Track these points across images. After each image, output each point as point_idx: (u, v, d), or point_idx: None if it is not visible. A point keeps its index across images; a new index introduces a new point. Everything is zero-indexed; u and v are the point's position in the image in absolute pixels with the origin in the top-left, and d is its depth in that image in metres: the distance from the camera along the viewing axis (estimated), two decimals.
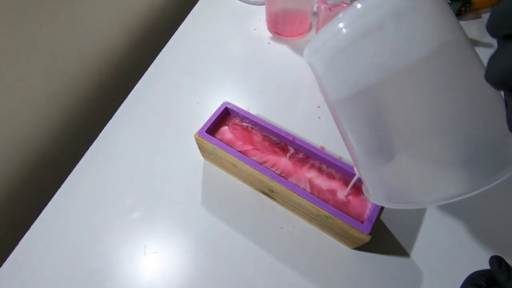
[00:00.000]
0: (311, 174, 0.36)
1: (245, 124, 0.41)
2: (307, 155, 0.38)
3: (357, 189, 0.34)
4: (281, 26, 0.58)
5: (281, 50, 0.58)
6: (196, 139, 0.39)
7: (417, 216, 0.39)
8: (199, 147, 0.41)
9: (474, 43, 0.57)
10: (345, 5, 0.49)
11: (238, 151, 0.37)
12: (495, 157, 0.18)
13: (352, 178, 0.35)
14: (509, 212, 0.39)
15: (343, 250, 0.37)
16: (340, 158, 0.43)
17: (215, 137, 0.38)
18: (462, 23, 0.60)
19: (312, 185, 0.35)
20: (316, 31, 0.43)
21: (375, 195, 0.25)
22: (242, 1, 0.66)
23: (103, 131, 0.47)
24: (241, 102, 0.50)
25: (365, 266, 0.36)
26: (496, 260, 0.27)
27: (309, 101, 0.50)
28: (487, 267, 0.35)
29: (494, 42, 0.57)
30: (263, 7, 0.64)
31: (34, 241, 0.38)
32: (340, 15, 0.20)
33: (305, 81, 0.53)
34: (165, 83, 0.53)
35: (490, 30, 0.15)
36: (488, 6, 0.63)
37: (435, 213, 0.39)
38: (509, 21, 0.14)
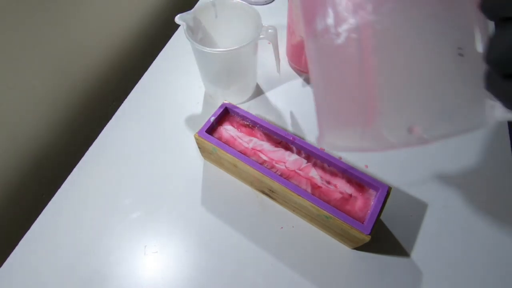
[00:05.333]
0: (313, 174, 0.36)
1: (245, 122, 0.41)
2: (308, 154, 0.38)
3: (358, 188, 0.34)
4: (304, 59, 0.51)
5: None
6: (196, 139, 0.39)
7: (417, 216, 0.39)
8: (199, 147, 0.41)
9: None
10: None
11: (238, 151, 0.37)
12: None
13: (352, 178, 0.35)
14: (509, 212, 0.39)
15: (343, 250, 0.37)
16: (340, 158, 0.43)
17: (215, 137, 0.38)
18: None
19: (313, 185, 0.35)
20: None
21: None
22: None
23: (103, 131, 0.47)
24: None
25: (365, 266, 0.36)
26: None
27: (309, 101, 0.50)
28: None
29: None
30: (265, 6, 0.64)
31: (34, 241, 0.38)
32: None
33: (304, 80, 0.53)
34: (165, 83, 0.53)
35: (486, 12, 0.15)
36: None
37: (435, 213, 0.39)
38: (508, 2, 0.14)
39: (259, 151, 0.38)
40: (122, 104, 0.50)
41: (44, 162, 0.48)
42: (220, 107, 0.40)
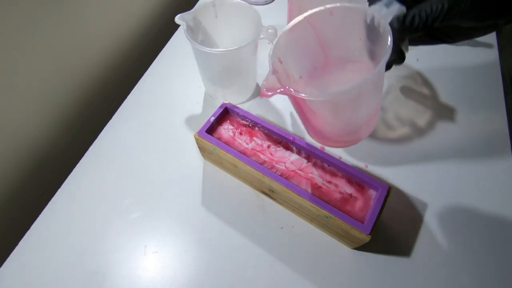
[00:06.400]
0: (313, 174, 0.36)
1: (245, 122, 0.41)
2: (308, 154, 0.38)
3: (358, 188, 0.34)
4: None
5: None
6: (196, 139, 0.39)
7: (418, 216, 0.39)
8: (199, 147, 0.41)
9: (474, 43, 0.57)
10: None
11: (238, 151, 0.37)
12: None
13: (352, 178, 0.35)
14: (509, 212, 0.39)
15: (343, 250, 0.37)
16: (340, 158, 0.43)
17: (215, 137, 0.38)
18: None
19: (313, 185, 0.35)
20: None
21: None
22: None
23: (103, 131, 0.47)
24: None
25: (365, 266, 0.36)
26: None
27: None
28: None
29: (494, 42, 0.57)
30: (265, 6, 0.64)
31: (34, 241, 0.38)
32: None
33: None
34: (165, 83, 0.53)
35: None
36: None
37: (435, 213, 0.39)
38: None
39: (259, 151, 0.38)
40: (122, 104, 0.50)
41: (44, 162, 0.48)
42: (220, 107, 0.40)
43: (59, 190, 0.42)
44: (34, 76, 0.43)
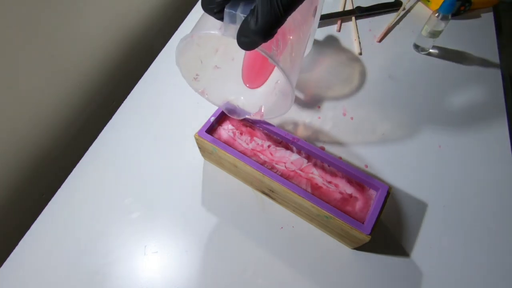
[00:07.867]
0: (313, 174, 0.36)
1: (245, 122, 0.41)
2: (308, 154, 0.38)
3: (358, 188, 0.34)
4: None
5: None
6: (196, 139, 0.39)
7: (417, 216, 0.39)
8: (199, 147, 0.41)
9: (474, 43, 0.57)
10: None
11: (238, 151, 0.37)
12: None
13: (352, 178, 0.35)
14: (509, 212, 0.39)
15: (343, 250, 0.37)
16: (340, 158, 0.43)
17: (215, 137, 0.38)
18: (462, 22, 0.60)
19: (313, 185, 0.35)
20: None
21: None
22: None
23: (103, 131, 0.47)
24: None
25: (365, 266, 0.36)
26: None
27: (308, 101, 0.50)
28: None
29: (494, 42, 0.57)
30: None
31: (34, 241, 0.38)
32: None
33: (305, 80, 0.53)
34: (165, 83, 0.53)
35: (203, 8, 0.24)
36: (488, 6, 0.63)
37: (435, 213, 0.39)
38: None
39: (259, 151, 0.38)
40: (122, 104, 0.50)
41: (44, 162, 0.48)
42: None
43: (59, 190, 0.42)
44: (34, 76, 0.43)
